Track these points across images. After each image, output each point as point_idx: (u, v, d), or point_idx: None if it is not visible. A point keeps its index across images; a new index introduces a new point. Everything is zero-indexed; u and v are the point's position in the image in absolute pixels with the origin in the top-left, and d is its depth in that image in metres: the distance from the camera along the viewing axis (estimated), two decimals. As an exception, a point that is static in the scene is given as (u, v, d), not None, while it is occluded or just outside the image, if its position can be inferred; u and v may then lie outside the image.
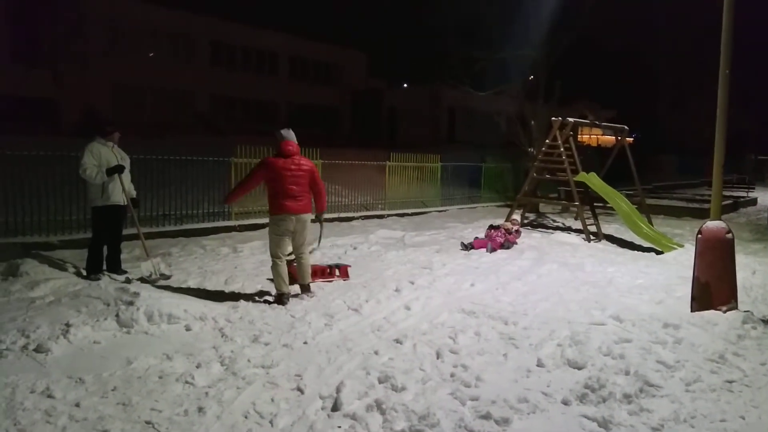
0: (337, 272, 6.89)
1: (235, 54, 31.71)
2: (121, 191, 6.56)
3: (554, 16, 15.88)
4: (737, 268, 5.63)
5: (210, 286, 6.31)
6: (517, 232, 9.76)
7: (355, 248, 8.83)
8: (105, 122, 6.77)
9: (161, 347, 4.40)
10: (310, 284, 6.12)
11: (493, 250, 8.90)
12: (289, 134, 5.94)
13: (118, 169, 6.45)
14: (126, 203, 6.67)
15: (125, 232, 7.05)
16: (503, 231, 9.41)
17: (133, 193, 6.93)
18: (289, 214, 5.78)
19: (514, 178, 17.70)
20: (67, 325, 4.58)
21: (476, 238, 9.38)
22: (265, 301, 5.77)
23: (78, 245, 8.07)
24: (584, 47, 18.00)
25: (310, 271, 6.15)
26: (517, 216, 10.18)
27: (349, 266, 7.11)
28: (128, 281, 6.21)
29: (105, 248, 6.68)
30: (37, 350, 4.21)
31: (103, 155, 6.40)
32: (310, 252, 6.41)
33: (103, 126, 6.63)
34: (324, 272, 6.80)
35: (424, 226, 12.05)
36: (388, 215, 13.51)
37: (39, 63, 23.77)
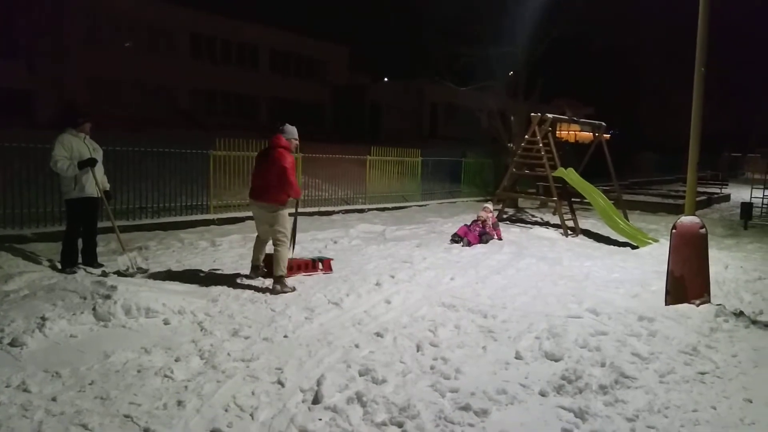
0: (320, 266, 6.87)
1: (215, 47, 31.33)
2: (95, 184, 6.45)
3: (537, 14, 15.99)
4: (710, 263, 5.76)
5: (188, 280, 6.24)
6: (493, 225, 9.70)
7: (335, 242, 8.83)
8: (77, 114, 6.58)
9: (139, 341, 4.36)
10: (283, 277, 6.02)
11: (470, 243, 8.95)
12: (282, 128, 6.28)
13: (90, 163, 6.32)
14: (99, 196, 6.57)
15: (100, 225, 6.95)
16: (479, 223, 9.42)
17: (107, 186, 6.83)
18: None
19: (494, 173, 17.83)
20: (43, 318, 4.51)
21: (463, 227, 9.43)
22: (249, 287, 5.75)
23: (52, 238, 7.93)
24: (566, 45, 18.15)
25: (275, 262, 6.05)
26: (489, 204, 10.17)
27: (332, 259, 7.12)
28: (105, 274, 6.14)
29: (80, 241, 6.58)
30: (12, 344, 4.14)
31: (74, 147, 6.28)
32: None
33: (75, 117, 6.46)
34: (307, 266, 6.78)
35: (404, 220, 12.09)
36: (369, 209, 13.52)
37: (14, 54, 23.24)
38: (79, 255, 6.56)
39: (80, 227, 6.54)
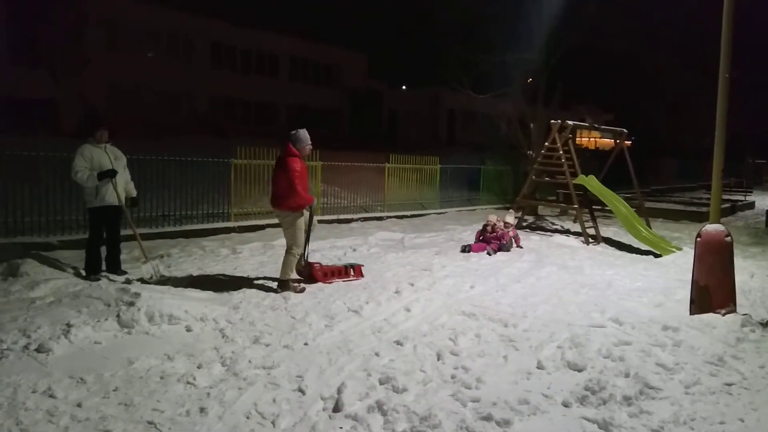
0: (351, 272, 7.03)
1: (235, 55, 31.72)
2: (115, 193, 6.52)
3: (555, 20, 15.93)
4: (735, 272, 5.65)
5: (210, 287, 6.30)
6: (511, 235, 9.59)
7: (354, 250, 8.85)
8: (94, 124, 6.66)
9: (162, 348, 4.41)
10: (286, 282, 6.25)
11: (471, 250, 8.91)
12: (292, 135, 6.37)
13: (110, 174, 6.41)
14: (120, 204, 6.64)
15: (124, 233, 7.05)
16: (493, 233, 9.30)
17: (133, 193, 6.92)
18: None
19: (513, 180, 17.73)
20: (68, 325, 4.58)
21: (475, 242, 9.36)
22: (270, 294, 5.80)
23: (77, 246, 8.06)
24: (584, 50, 18.05)
25: (282, 266, 6.30)
26: (510, 218, 10.00)
27: (362, 265, 7.25)
28: (128, 282, 6.21)
29: (104, 249, 6.68)
30: (38, 350, 4.22)
31: (95, 157, 6.37)
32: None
33: (92, 128, 6.54)
34: (341, 272, 6.95)
35: (423, 228, 12.07)
36: (387, 217, 13.53)
37: (38, 64, 23.79)
38: (103, 262, 6.66)
39: (102, 235, 6.63)
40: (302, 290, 6.22)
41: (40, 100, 23.25)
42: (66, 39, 24.13)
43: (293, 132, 6.36)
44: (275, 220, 10.98)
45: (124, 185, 6.72)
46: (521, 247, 9.56)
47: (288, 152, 6.27)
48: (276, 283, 6.36)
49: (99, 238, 6.61)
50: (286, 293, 6.07)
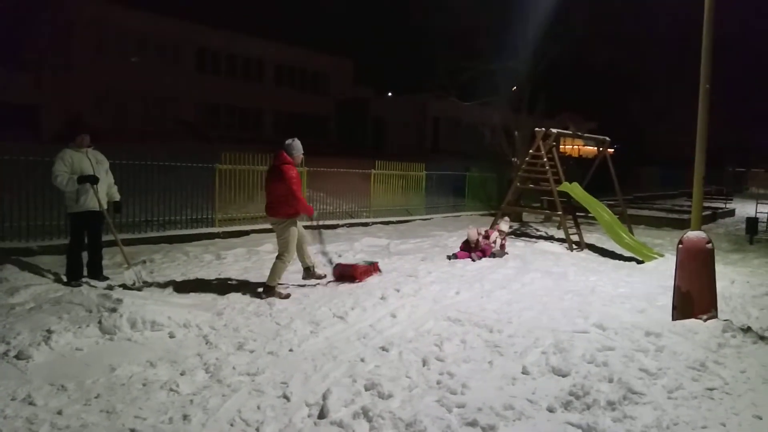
0: (372, 269, 7.53)
1: (220, 61, 31.61)
2: (96, 198, 6.46)
3: (540, 29, 16.10)
4: (717, 278, 5.73)
5: (194, 293, 6.26)
6: (501, 242, 9.68)
7: (340, 256, 8.81)
8: (74, 128, 6.60)
9: (145, 354, 4.36)
10: (272, 288, 6.32)
11: (478, 258, 8.95)
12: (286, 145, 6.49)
13: (90, 180, 6.35)
14: (102, 209, 6.57)
15: (106, 238, 6.97)
16: (480, 245, 9.33)
17: (117, 197, 6.85)
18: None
19: (497, 187, 17.84)
20: (49, 331, 4.51)
21: (460, 249, 9.39)
22: (254, 300, 5.76)
23: (58, 251, 7.95)
24: (569, 59, 18.24)
25: (270, 271, 6.36)
26: (504, 226, 10.13)
27: (377, 262, 7.80)
28: (110, 288, 6.14)
29: (86, 254, 6.59)
30: (17, 357, 4.14)
31: (75, 162, 6.31)
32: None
33: (73, 132, 6.49)
34: (369, 271, 7.40)
35: (408, 234, 12.09)
36: (373, 223, 13.52)
37: (22, 68, 23.47)
38: (84, 268, 6.57)
39: (83, 240, 6.55)
40: (287, 296, 6.23)
41: (22, 105, 22.94)
42: (50, 43, 23.84)
43: (288, 141, 6.45)
44: (260, 226, 11.02)
45: (106, 189, 6.66)
46: (507, 253, 9.61)
47: (283, 160, 6.34)
48: (261, 289, 6.33)
49: (80, 243, 6.52)
50: (271, 299, 6.08)
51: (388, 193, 14.87)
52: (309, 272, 6.92)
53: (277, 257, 6.39)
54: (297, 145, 6.46)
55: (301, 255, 6.82)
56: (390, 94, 39.25)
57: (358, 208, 14.15)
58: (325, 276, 7.08)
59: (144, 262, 7.64)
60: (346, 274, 7.14)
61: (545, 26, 15.90)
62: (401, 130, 34.33)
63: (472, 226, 10.06)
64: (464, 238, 9.54)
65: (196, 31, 29.57)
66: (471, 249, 9.21)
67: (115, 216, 7.22)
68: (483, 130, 19.11)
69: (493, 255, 9.23)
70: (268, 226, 11.21)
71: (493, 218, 12.74)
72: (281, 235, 6.38)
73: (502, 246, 9.71)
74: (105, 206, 6.62)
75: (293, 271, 7.15)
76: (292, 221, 6.37)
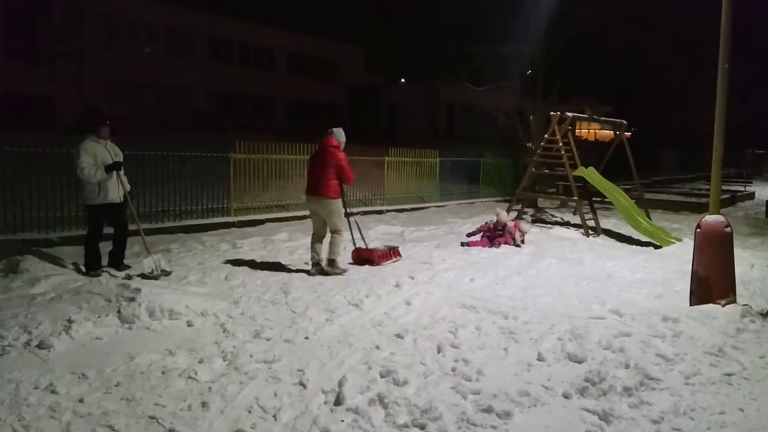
0: (392, 254, 7.76)
1: (233, 50, 31.62)
2: (118, 188, 6.54)
3: (554, 11, 15.87)
4: (735, 262, 5.65)
5: (210, 282, 6.32)
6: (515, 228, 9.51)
7: (354, 244, 8.83)
8: (95, 119, 6.61)
9: (163, 343, 4.42)
10: (335, 261, 6.91)
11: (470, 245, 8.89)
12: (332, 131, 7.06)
13: (116, 167, 6.42)
14: (122, 200, 6.64)
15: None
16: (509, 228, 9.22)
17: (127, 187, 6.85)
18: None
19: (512, 173, 17.73)
20: (69, 321, 4.59)
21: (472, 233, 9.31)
22: (270, 288, 5.81)
23: (77, 242, 8.05)
24: (583, 42, 18.00)
25: (332, 247, 6.93)
26: (526, 227, 9.75)
27: (398, 247, 8.07)
28: (129, 277, 6.22)
29: (110, 244, 6.71)
30: (39, 346, 4.22)
31: (98, 153, 6.35)
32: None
33: (94, 123, 6.50)
34: (388, 255, 7.64)
35: (423, 221, 12.08)
36: (387, 211, 13.53)
37: (36, 60, 23.69)
38: (103, 258, 6.65)
39: (101, 232, 6.63)
40: (345, 271, 6.86)
41: (37, 96, 23.17)
42: (63, 34, 24.01)
43: (335, 128, 7.05)
44: (275, 215, 11.09)
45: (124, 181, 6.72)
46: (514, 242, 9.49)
47: (330, 144, 6.92)
48: (325, 263, 6.83)
49: (98, 235, 6.60)
50: (333, 270, 6.74)
51: (402, 180, 14.84)
52: (318, 267, 6.88)
53: (334, 233, 6.91)
54: (339, 132, 7.02)
55: (316, 248, 6.95)
56: (402, 80, 39.03)
57: (372, 196, 14.15)
58: (344, 271, 6.96)
59: (162, 251, 7.72)
60: (364, 257, 7.40)
61: (559, 8, 15.66)
62: (414, 117, 34.14)
63: (499, 209, 9.93)
64: (479, 224, 9.48)
65: (208, 21, 29.56)
66: (494, 235, 9.06)
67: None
68: (497, 115, 18.93)
69: (515, 242, 9.09)
70: (283, 214, 11.35)
71: (508, 204, 12.68)
72: (332, 215, 6.86)
73: (522, 242, 9.50)
74: (128, 197, 6.72)
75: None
76: (339, 200, 6.89)
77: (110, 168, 6.36)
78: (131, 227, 6.99)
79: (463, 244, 8.96)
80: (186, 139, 12.43)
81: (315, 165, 6.93)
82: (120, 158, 6.66)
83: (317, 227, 7.01)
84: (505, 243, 8.99)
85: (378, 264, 7.31)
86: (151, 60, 26.92)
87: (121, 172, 6.70)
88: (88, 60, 24.41)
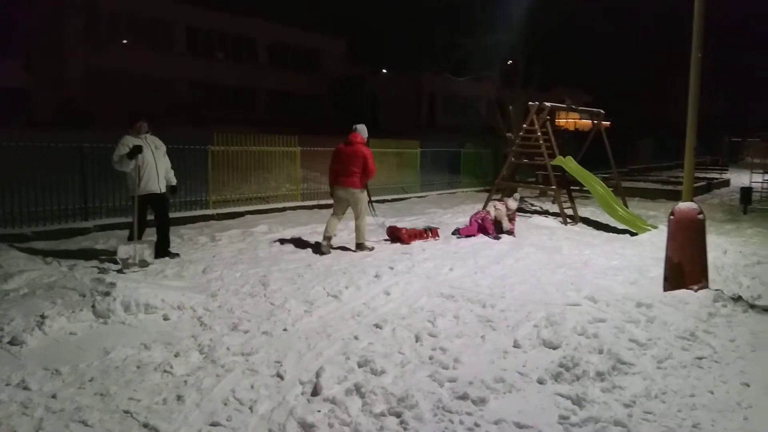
0: (430, 234, 8.54)
1: (213, 40, 31.22)
2: (158, 180, 6.85)
3: (533, 2, 15.91)
4: (709, 248, 5.76)
5: (188, 275, 6.27)
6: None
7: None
8: (133, 116, 7.01)
9: (139, 337, 4.38)
10: (363, 243, 7.80)
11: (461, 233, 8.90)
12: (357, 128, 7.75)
13: (137, 150, 6.57)
14: (162, 192, 6.96)
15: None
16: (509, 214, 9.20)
17: (173, 181, 7.23)
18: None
19: (493, 163, 17.80)
20: (42, 316, 4.52)
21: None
22: (249, 281, 5.78)
23: (52, 236, 7.98)
24: (563, 32, 18.08)
25: (358, 232, 7.83)
26: (513, 204, 9.63)
27: (438, 228, 8.81)
28: (103, 272, 6.14)
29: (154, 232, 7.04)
30: (11, 342, 4.16)
31: (134, 146, 6.62)
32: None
33: (132, 120, 6.89)
34: (420, 234, 8.43)
35: (404, 212, 12.09)
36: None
37: (11, 52, 23.16)
38: (151, 249, 6.68)
39: (145, 220, 6.98)
40: (372, 248, 7.72)
41: (11, 89, 22.68)
42: (40, 25, 23.48)
43: (359, 125, 7.74)
44: (254, 207, 11.01)
45: (164, 173, 7.00)
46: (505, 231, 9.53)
47: (356, 140, 7.59)
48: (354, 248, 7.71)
49: (142, 222, 6.88)
50: (363, 249, 7.63)
51: (382, 170, 14.77)
52: (329, 241, 7.66)
53: (360, 219, 7.70)
54: (362, 129, 7.71)
55: (334, 226, 7.71)
56: (384, 71, 38.90)
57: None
58: (372, 248, 7.78)
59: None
60: (396, 236, 8.30)
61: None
62: (396, 107, 34.10)
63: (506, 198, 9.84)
64: (471, 215, 9.30)
65: (187, 11, 29.11)
66: (488, 223, 8.98)
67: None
68: (478, 105, 18.98)
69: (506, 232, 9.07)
70: (263, 207, 11.29)
71: (487, 194, 12.74)
72: (357, 202, 7.68)
73: (512, 220, 9.41)
74: (169, 189, 7.13)
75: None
76: (364, 191, 7.79)
77: (132, 153, 6.54)
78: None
79: (454, 233, 8.94)
80: (166, 132, 12.26)
81: (342, 158, 7.60)
82: (163, 149, 7.03)
83: (339, 210, 7.79)
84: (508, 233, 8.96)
85: (407, 243, 8.11)
86: (129, 51, 26.45)
87: (167, 166, 7.05)
88: (65, 52, 23.91)
